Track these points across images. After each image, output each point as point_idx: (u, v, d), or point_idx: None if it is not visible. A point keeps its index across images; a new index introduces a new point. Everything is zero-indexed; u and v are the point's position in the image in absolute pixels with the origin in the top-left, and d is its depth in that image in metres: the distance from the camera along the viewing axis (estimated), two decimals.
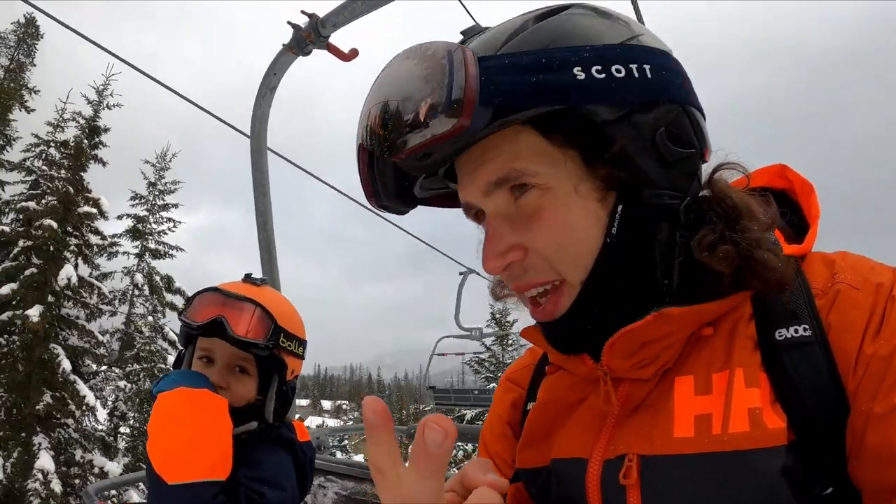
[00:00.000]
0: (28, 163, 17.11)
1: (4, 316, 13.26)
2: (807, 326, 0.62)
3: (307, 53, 2.30)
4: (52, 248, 13.97)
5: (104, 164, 16.24)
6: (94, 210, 15.16)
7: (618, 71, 0.62)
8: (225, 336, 1.47)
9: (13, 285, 13.50)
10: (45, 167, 15.84)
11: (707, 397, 0.63)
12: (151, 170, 19.50)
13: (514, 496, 0.81)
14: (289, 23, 2.25)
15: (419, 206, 0.82)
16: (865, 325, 0.60)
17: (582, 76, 0.61)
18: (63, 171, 15.00)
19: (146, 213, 19.09)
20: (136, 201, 19.18)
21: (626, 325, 0.64)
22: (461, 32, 0.72)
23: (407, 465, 0.43)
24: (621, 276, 0.66)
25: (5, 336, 13.40)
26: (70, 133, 16.49)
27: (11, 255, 14.06)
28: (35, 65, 19.91)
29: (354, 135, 0.71)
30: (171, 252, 18.92)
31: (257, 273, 1.74)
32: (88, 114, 16.58)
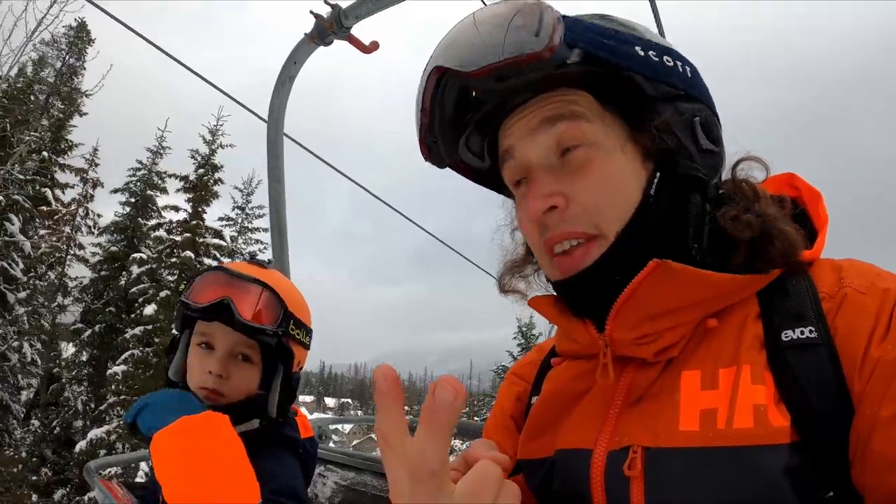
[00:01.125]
0: (132, 185, 19.38)
1: (138, 330, 15.71)
2: (813, 328, 0.62)
3: (328, 44, 2.31)
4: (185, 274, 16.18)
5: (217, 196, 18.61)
6: (219, 241, 17.67)
7: (668, 61, 0.71)
8: (230, 320, 1.31)
9: (154, 306, 15.85)
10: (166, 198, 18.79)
11: (713, 392, 0.63)
12: (239, 194, 21.39)
13: None
14: (311, 12, 2.26)
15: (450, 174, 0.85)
16: (872, 329, 0.60)
17: (642, 53, 0.69)
18: (189, 204, 17.84)
19: (235, 233, 20.74)
20: (226, 222, 20.80)
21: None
22: None
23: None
24: (654, 234, 0.69)
25: (148, 348, 15.70)
26: (173, 162, 19.01)
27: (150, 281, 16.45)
28: (85, 69, 20.37)
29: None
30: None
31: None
32: (204, 151, 18.78)
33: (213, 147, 18.71)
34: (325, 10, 2.25)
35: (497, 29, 0.66)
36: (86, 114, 18.89)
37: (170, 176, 19.17)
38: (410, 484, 0.43)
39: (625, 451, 0.66)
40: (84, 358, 17.33)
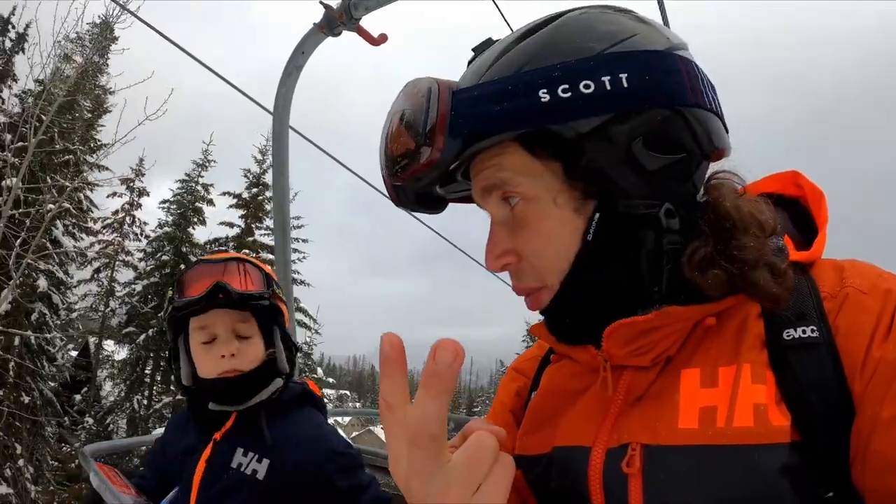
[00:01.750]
0: (179, 198, 20.71)
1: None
2: (814, 328, 0.62)
3: (337, 34, 2.29)
4: None
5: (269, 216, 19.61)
6: (271, 255, 17.92)
7: (586, 87, 0.64)
8: (228, 300, 1.44)
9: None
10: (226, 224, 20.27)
11: (713, 390, 0.63)
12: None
13: (513, 485, 0.80)
14: (321, 2, 2.25)
15: (449, 205, 0.86)
16: (874, 329, 0.59)
17: (546, 98, 0.63)
18: (243, 220, 19.74)
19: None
20: (265, 231, 21.26)
21: (625, 317, 0.66)
22: (472, 49, 0.77)
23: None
24: (599, 277, 0.68)
25: None
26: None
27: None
28: (108, 66, 20.10)
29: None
30: (305, 281, 21.34)
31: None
32: (255, 171, 20.61)
33: (263, 167, 20.45)
34: (334, 1, 2.24)
35: (398, 139, 0.69)
36: (109, 111, 19.11)
37: (223, 194, 20.90)
38: (409, 449, 0.44)
39: (623, 448, 0.66)
40: (134, 359, 18.74)
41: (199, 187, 21.09)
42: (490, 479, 0.47)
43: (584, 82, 0.64)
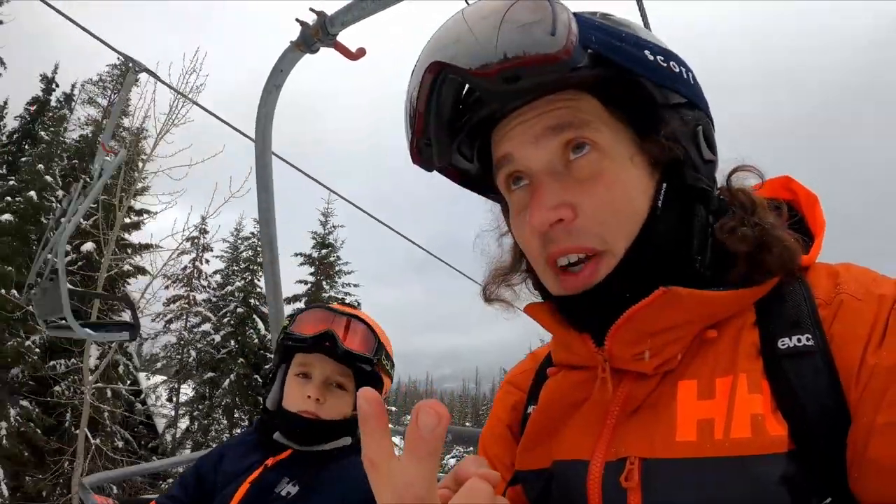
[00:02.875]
0: (242, 253, 22.37)
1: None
2: (809, 336, 0.62)
3: (315, 51, 2.29)
4: None
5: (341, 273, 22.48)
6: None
7: (674, 67, 0.69)
8: (332, 350, 1.51)
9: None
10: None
11: (710, 402, 0.63)
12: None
13: (512, 500, 0.79)
14: (297, 20, 2.25)
15: (436, 175, 0.80)
16: (868, 336, 0.59)
17: (651, 58, 0.67)
18: (313, 277, 22.03)
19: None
20: (303, 258, 23.39)
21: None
22: None
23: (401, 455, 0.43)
24: (661, 249, 0.67)
25: None
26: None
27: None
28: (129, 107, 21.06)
29: (413, 64, 0.69)
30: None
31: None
32: (320, 231, 23.01)
33: (327, 228, 23.03)
34: (310, 18, 2.24)
35: (507, 25, 0.60)
36: (152, 159, 20.03)
37: (294, 255, 22.97)
38: None
39: (622, 462, 0.65)
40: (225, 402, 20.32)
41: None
42: None
43: (672, 62, 0.69)
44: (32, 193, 15.64)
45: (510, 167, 0.71)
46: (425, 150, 0.73)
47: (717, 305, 0.66)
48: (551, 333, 0.81)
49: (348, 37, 2.30)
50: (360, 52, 2.40)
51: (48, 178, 15.96)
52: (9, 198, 15.68)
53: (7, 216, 15.13)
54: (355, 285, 23.58)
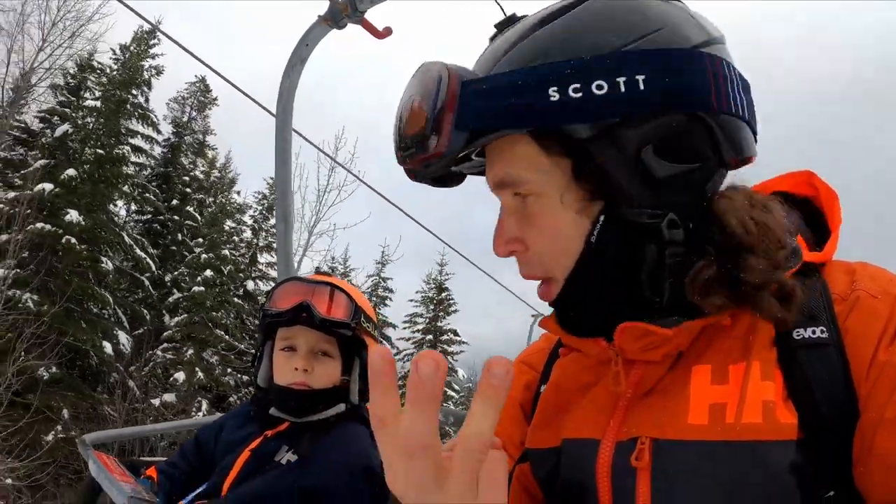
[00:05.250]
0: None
1: None
2: (824, 329, 0.62)
3: (342, 27, 2.29)
4: None
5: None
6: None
7: (599, 87, 0.61)
8: (310, 320, 1.51)
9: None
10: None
11: (723, 387, 0.63)
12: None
13: (518, 478, 0.80)
14: None
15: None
16: (881, 333, 0.60)
17: (556, 97, 0.61)
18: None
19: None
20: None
21: (633, 319, 0.66)
22: (495, 26, 0.74)
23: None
24: (602, 282, 0.68)
25: None
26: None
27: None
28: (210, 121, 23.19)
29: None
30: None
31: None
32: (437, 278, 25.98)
33: (443, 275, 25.84)
34: None
35: (406, 126, 0.68)
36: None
37: (409, 301, 25.93)
38: (404, 461, 0.43)
39: (633, 441, 0.65)
40: None
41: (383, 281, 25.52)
42: (484, 479, 0.45)
43: (597, 82, 0.61)
44: None
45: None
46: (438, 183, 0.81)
47: (726, 318, 0.66)
48: (566, 342, 0.81)
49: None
50: (387, 31, 2.40)
51: None
52: None
53: None
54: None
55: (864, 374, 0.58)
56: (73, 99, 17.60)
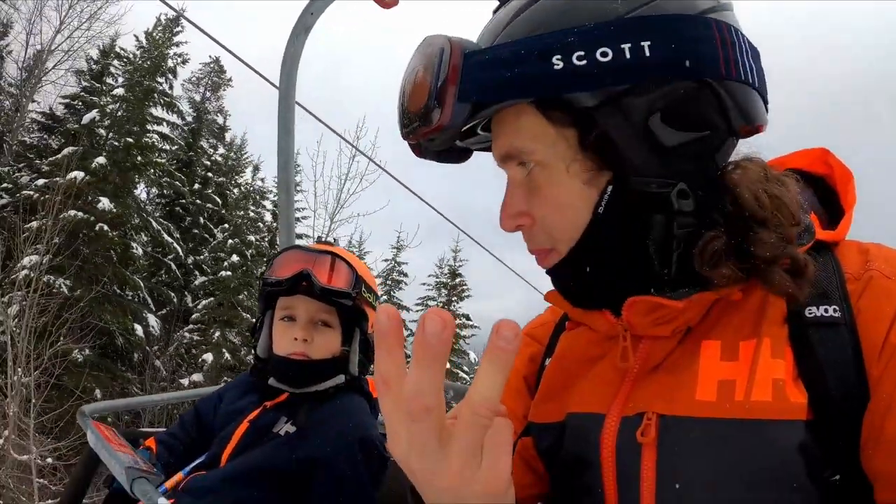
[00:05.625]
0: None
1: None
2: (836, 308, 0.60)
3: None
4: None
5: None
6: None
7: (603, 55, 0.59)
8: (310, 289, 1.49)
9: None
10: None
11: (732, 363, 0.62)
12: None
13: (520, 452, 0.79)
14: None
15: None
16: (894, 314, 0.58)
17: (560, 65, 0.60)
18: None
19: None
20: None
21: (641, 292, 0.65)
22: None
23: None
24: (607, 254, 0.67)
25: None
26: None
27: None
28: (223, 101, 23.34)
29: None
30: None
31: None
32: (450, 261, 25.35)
33: (457, 260, 25.42)
34: None
35: (410, 99, 0.67)
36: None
37: (422, 284, 25.44)
38: (407, 424, 0.41)
39: (639, 417, 0.65)
40: None
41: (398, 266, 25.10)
42: (488, 446, 0.43)
43: (601, 49, 0.59)
44: None
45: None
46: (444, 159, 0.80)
47: (736, 290, 0.64)
48: (572, 316, 0.80)
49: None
50: (393, 1, 2.32)
51: None
52: None
53: None
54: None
55: (877, 355, 0.57)
56: (97, 85, 18.06)
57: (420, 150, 0.75)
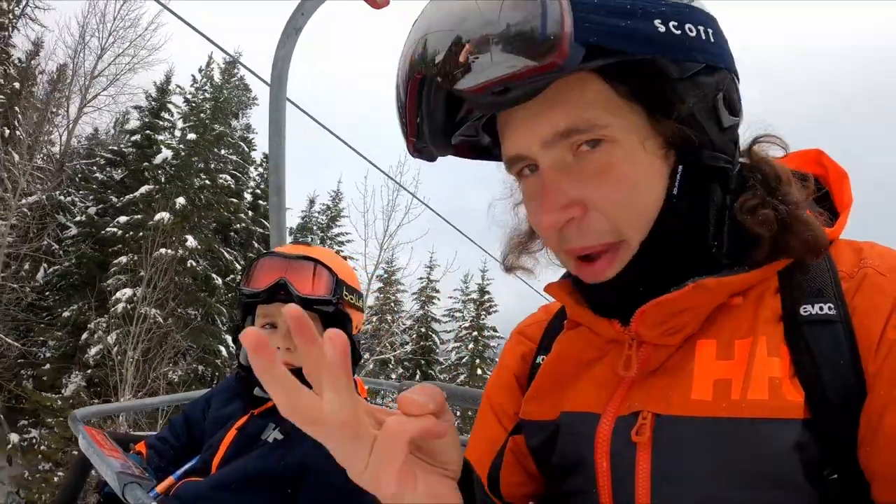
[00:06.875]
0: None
1: None
2: (832, 305, 0.61)
3: None
4: None
5: None
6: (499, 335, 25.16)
7: (690, 30, 0.59)
8: (288, 298, 1.44)
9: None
10: None
11: (728, 363, 0.62)
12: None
13: (513, 451, 0.80)
14: None
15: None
16: (890, 310, 0.59)
17: (662, 29, 0.58)
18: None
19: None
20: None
21: (661, 295, 0.63)
22: None
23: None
24: (679, 237, 0.65)
25: None
26: None
27: None
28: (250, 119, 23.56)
29: (397, 67, 0.65)
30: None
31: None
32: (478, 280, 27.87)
33: (485, 278, 27.56)
34: None
35: (494, 30, 0.55)
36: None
37: (448, 297, 27.80)
38: (333, 445, 0.47)
39: (634, 416, 0.64)
40: None
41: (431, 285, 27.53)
42: (375, 452, 0.48)
43: (688, 25, 0.59)
44: None
45: (521, 164, 0.67)
46: (424, 150, 0.70)
47: (743, 284, 0.65)
48: (575, 317, 0.77)
49: None
50: (384, 1, 2.31)
51: None
52: None
53: None
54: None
55: (873, 351, 0.57)
56: (159, 122, 19.52)
57: (419, 130, 0.66)
